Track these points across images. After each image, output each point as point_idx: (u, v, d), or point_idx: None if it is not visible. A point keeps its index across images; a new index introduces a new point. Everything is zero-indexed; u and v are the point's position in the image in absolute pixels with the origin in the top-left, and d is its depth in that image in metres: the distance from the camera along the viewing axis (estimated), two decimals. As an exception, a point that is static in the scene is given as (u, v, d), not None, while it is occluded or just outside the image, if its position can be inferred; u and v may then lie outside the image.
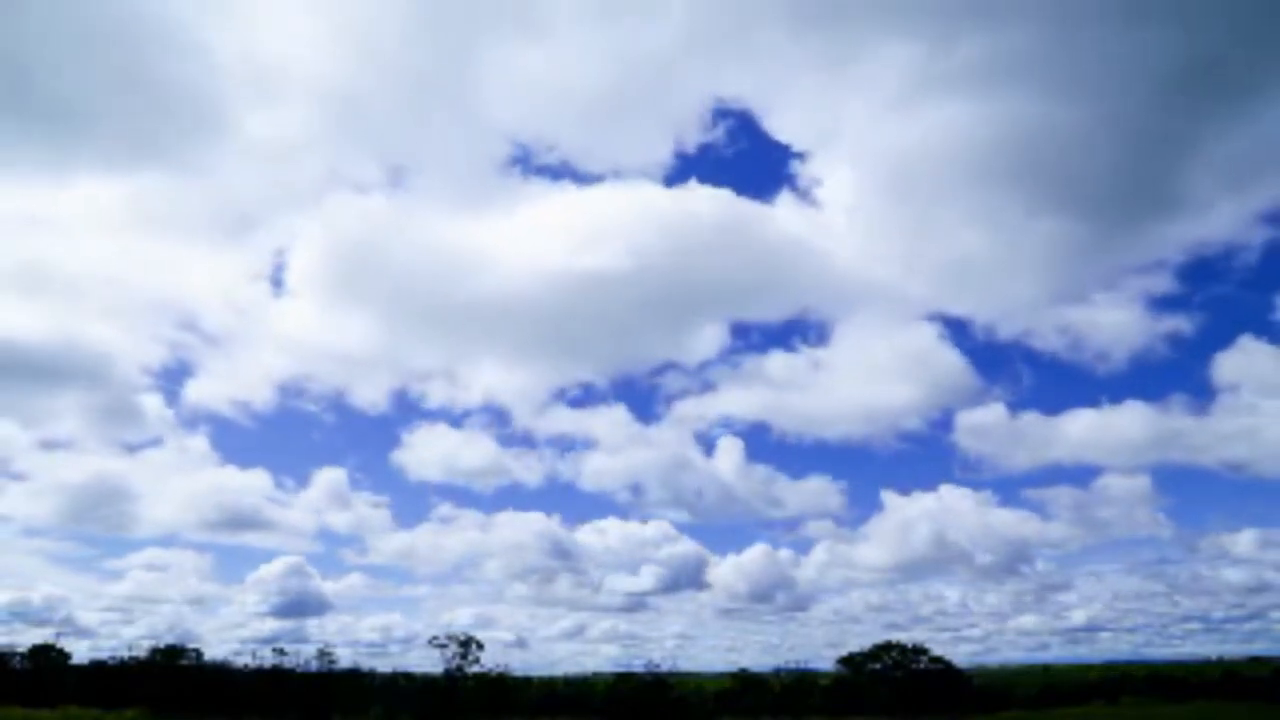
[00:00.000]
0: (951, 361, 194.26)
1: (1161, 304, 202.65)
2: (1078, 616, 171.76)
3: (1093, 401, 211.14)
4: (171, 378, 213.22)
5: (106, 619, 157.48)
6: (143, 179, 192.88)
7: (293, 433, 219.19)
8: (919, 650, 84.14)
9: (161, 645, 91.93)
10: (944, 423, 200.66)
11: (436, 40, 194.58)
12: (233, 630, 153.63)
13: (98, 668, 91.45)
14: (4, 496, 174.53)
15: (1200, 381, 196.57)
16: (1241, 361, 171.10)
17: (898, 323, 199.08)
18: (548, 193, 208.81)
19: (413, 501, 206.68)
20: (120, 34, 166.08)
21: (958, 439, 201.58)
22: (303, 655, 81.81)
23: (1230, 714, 70.72)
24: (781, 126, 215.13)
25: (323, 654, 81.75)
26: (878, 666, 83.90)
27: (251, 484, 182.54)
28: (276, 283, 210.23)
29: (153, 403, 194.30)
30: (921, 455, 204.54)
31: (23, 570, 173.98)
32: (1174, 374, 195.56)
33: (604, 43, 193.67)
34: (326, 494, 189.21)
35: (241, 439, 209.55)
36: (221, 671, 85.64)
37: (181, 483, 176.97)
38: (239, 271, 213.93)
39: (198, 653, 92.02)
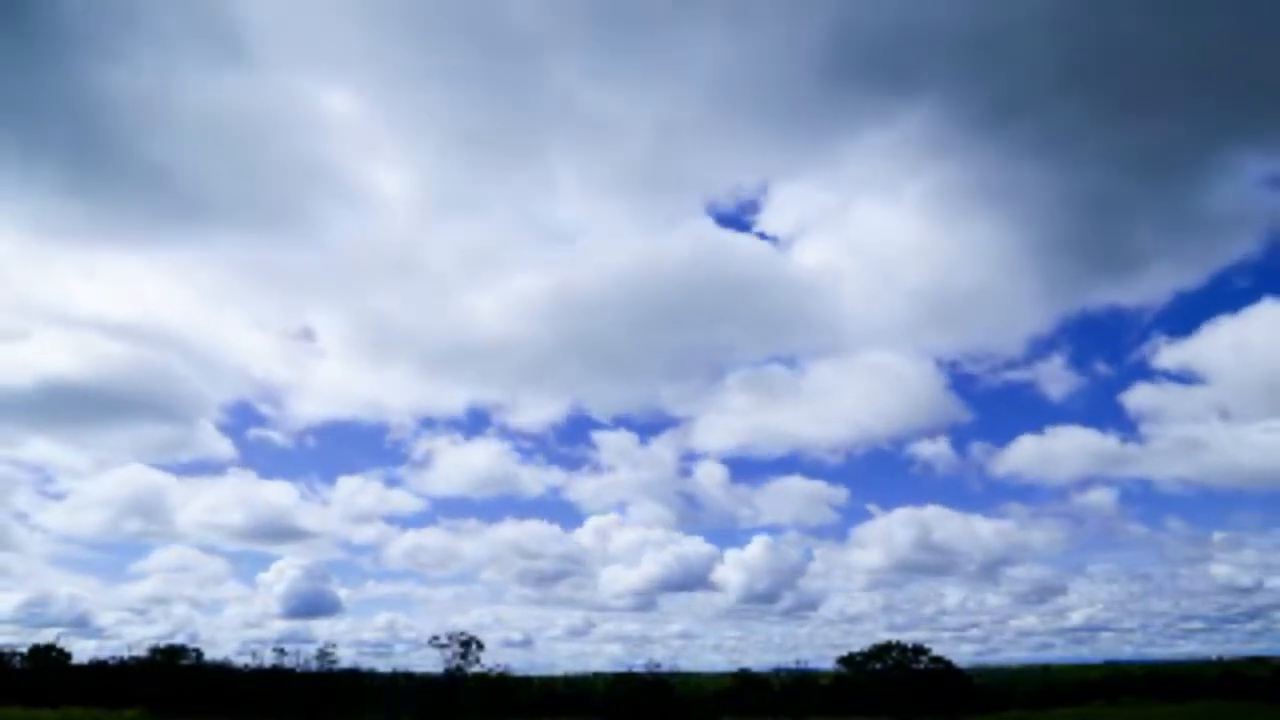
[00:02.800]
0: (937, 390, 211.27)
1: (1091, 349, 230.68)
2: (1077, 617, 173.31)
3: (1052, 425, 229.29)
4: (231, 414, 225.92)
5: (126, 619, 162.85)
6: (230, 249, 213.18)
7: (320, 452, 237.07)
8: (919, 650, 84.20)
9: (162, 645, 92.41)
10: (930, 444, 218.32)
11: (479, 141, 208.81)
12: (247, 630, 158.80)
13: (98, 667, 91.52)
14: (48, 512, 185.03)
15: (1126, 413, 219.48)
16: (1155, 396, 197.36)
17: (885, 357, 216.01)
18: (560, 252, 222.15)
19: (429, 512, 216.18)
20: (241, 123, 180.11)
21: (946, 458, 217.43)
22: (303, 655, 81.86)
23: (1230, 714, 70.70)
24: (783, 198, 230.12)
25: (323, 654, 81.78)
26: (878, 666, 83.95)
27: (279, 494, 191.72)
28: (318, 341, 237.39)
29: (208, 435, 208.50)
30: (912, 472, 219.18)
31: (54, 575, 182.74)
32: (1106, 406, 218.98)
33: (621, 133, 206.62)
34: (346, 505, 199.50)
35: (278, 458, 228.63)
36: (222, 671, 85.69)
37: (216, 495, 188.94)
38: (296, 330, 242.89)
39: (198, 653, 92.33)
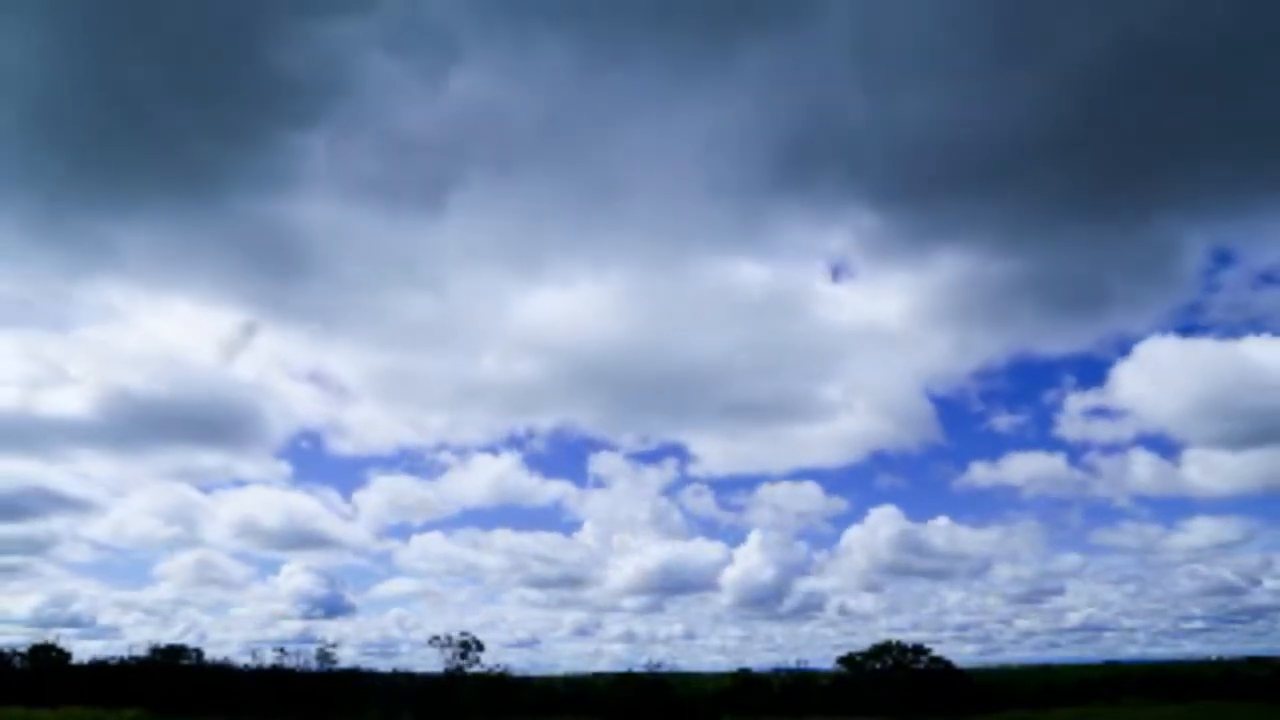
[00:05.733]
0: (927, 412, 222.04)
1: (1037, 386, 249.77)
2: (1077, 617, 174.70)
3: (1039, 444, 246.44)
4: (273, 442, 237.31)
5: (144, 620, 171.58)
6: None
7: (343, 471, 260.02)
8: (919, 650, 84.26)
9: (163, 645, 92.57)
10: (924, 457, 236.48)
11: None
12: (262, 631, 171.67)
13: (98, 667, 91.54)
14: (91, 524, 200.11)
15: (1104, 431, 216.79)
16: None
17: (875, 379, 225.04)
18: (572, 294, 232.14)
19: (441, 521, 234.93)
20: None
21: (941, 471, 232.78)
22: (304, 655, 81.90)
23: (1230, 714, 70.80)
24: (776, 249, 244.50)
25: (323, 654, 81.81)
26: (878, 666, 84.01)
27: (303, 505, 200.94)
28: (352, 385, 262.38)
29: (251, 461, 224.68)
30: (908, 483, 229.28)
31: (81, 581, 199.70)
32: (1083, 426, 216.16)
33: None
34: (362, 514, 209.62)
35: (308, 477, 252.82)
36: (222, 671, 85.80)
37: (244, 506, 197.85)
38: (337, 376, 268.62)
39: (198, 653, 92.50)
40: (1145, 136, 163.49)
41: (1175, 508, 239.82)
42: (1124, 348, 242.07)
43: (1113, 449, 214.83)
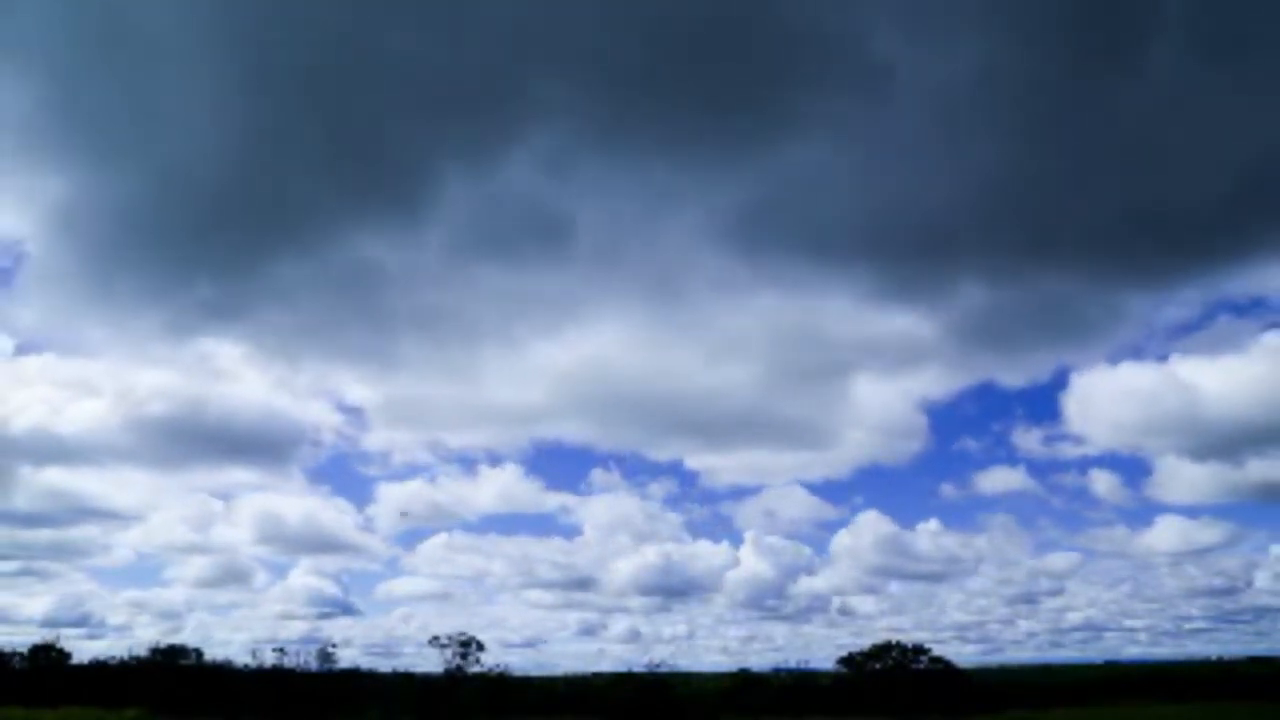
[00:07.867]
0: (921, 424, 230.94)
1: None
2: (1077, 617, 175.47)
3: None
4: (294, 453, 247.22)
5: (152, 622, 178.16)
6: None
7: (356, 483, 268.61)
8: (919, 650, 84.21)
9: (163, 645, 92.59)
10: (921, 464, 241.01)
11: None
12: (269, 630, 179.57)
13: (98, 667, 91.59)
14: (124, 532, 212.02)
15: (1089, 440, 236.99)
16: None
17: (872, 392, 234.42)
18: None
19: (450, 524, 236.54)
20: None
21: (939, 478, 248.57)
22: (303, 655, 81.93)
23: (1231, 714, 70.83)
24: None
25: (323, 654, 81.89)
26: (878, 666, 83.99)
27: (318, 511, 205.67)
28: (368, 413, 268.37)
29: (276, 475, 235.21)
30: (906, 489, 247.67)
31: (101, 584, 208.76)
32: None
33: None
34: (373, 520, 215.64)
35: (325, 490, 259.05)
36: (221, 671, 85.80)
37: (264, 510, 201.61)
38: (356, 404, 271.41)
39: (198, 652, 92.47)
40: (1094, 210, 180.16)
41: (1162, 512, 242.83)
42: (1065, 379, 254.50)
43: (1100, 460, 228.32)
